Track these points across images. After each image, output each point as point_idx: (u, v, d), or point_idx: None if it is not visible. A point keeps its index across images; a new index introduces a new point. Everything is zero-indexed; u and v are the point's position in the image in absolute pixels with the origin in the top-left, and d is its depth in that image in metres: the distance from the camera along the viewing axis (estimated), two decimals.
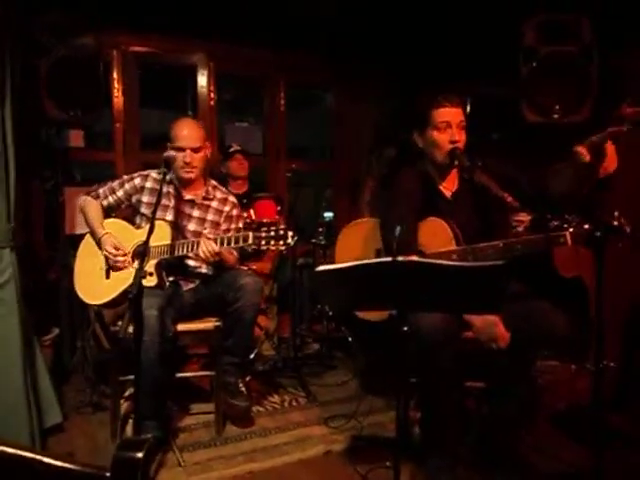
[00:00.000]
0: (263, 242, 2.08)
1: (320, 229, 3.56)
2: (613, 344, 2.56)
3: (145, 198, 2.49)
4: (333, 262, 2.59)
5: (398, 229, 1.63)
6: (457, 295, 1.59)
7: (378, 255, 2.34)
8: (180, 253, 2.29)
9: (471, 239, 2.05)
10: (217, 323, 2.40)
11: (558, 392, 2.68)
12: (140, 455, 0.65)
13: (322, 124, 5.17)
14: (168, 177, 2.45)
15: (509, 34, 2.97)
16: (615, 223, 1.74)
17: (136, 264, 2.34)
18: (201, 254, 2.22)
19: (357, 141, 4.48)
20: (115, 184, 2.52)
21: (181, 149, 2.40)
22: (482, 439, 2.18)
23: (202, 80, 4.02)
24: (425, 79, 3.61)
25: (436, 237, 2.09)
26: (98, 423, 2.49)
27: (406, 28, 3.82)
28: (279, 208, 3.53)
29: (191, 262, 2.49)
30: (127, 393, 2.52)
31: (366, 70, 4.27)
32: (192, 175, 2.45)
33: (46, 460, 0.64)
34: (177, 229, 2.43)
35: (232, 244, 2.17)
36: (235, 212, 2.59)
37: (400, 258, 1.51)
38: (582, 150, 1.80)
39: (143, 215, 2.49)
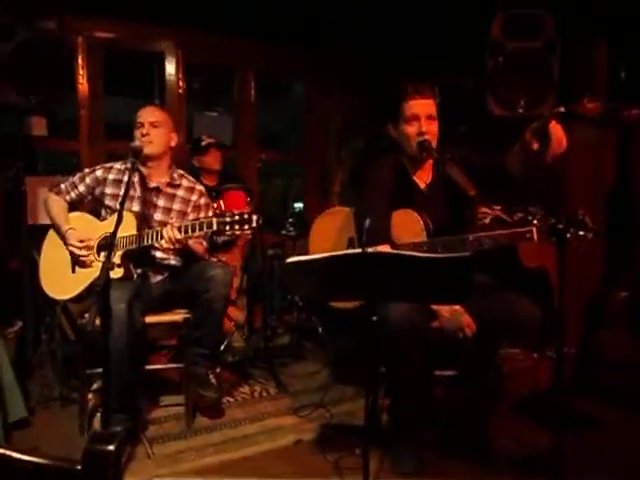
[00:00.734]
0: (227, 227, 2.05)
1: (290, 220, 3.55)
2: (573, 332, 2.66)
3: (109, 190, 2.46)
4: (304, 253, 2.60)
5: (368, 221, 1.65)
6: (425, 286, 1.62)
7: (351, 243, 2.37)
8: (146, 243, 2.26)
9: (442, 231, 2.08)
10: (186, 315, 2.38)
11: (521, 379, 2.76)
12: (112, 448, 0.65)
13: (294, 114, 5.15)
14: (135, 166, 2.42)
15: (477, 29, 3.02)
16: (580, 217, 1.81)
17: (102, 256, 2.31)
18: (164, 244, 2.19)
19: (327, 132, 4.49)
20: (76, 178, 2.49)
21: (140, 124, 2.41)
22: (449, 425, 2.24)
23: (170, 68, 3.94)
24: (395, 71, 3.63)
25: (407, 228, 2.12)
26: (65, 417, 2.45)
27: (377, 21, 3.83)
28: (249, 199, 3.50)
29: (158, 253, 2.46)
30: (95, 386, 2.48)
31: (336, 61, 4.27)
32: (151, 149, 2.41)
33: (16, 455, 0.63)
34: (143, 219, 2.40)
35: (197, 231, 2.14)
36: (203, 201, 2.57)
37: (369, 250, 1.53)
38: (528, 138, 1.84)
39: (108, 207, 2.46)
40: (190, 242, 2.33)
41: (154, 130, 2.42)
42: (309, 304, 3.41)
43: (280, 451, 2.21)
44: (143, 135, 2.40)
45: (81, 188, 2.48)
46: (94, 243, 2.36)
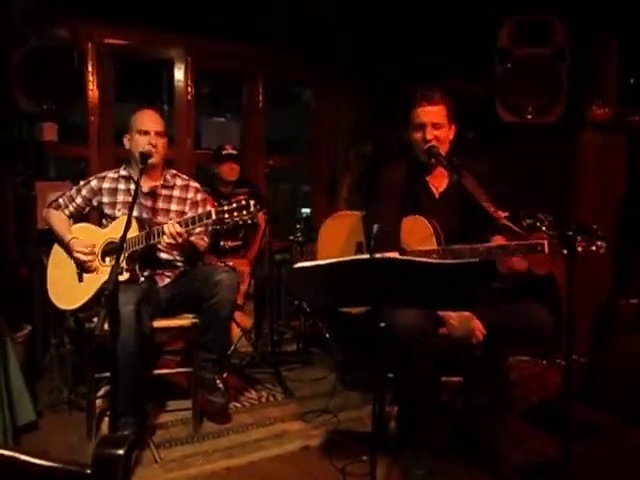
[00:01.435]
0: (226, 215, 2.07)
1: (297, 225, 3.56)
2: (582, 340, 2.64)
3: (105, 199, 2.49)
4: (312, 258, 2.60)
5: (376, 227, 1.65)
6: (434, 292, 1.62)
7: (359, 248, 2.36)
8: (149, 242, 2.26)
9: (452, 240, 2.08)
10: (194, 320, 2.39)
11: (530, 386, 2.74)
12: (121, 452, 0.65)
13: (301, 119, 5.16)
14: (128, 173, 2.49)
15: (486, 35, 3.02)
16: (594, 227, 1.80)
17: (107, 262, 2.34)
18: (166, 239, 2.19)
19: (334, 137, 4.49)
20: (73, 191, 2.53)
21: (146, 132, 2.40)
22: (457, 432, 2.23)
23: (179, 74, 3.97)
24: (403, 78, 3.64)
25: (417, 235, 2.11)
26: (73, 421, 2.45)
27: (386, 28, 3.84)
28: (257, 205, 3.50)
29: (163, 255, 2.47)
30: (103, 391, 2.49)
31: (344, 67, 4.28)
32: (157, 159, 2.42)
33: (26, 458, 0.64)
34: (143, 223, 2.40)
35: (197, 222, 2.16)
36: (199, 197, 2.58)
37: (377, 255, 1.53)
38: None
39: (107, 216, 2.49)
40: (192, 238, 2.35)
41: (160, 140, 2.43)
42: (316, 310, 3.41)
43: (287, 457, 2.21)
44: (152, 145, 2.39)
45: (78, 200, 2.51)
46: (98, 249, 2.38)
